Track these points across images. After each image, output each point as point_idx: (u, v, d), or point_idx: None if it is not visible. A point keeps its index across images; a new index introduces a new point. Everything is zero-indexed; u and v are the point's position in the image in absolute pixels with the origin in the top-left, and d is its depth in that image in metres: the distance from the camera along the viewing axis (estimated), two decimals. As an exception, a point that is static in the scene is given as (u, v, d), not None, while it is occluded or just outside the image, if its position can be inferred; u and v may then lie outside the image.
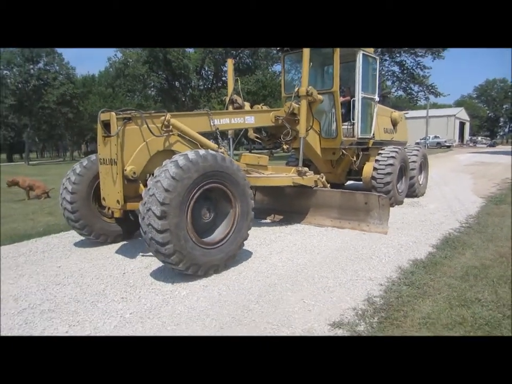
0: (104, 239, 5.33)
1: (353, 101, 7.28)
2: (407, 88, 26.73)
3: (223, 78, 35.36)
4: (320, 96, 6.43)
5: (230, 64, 7.31)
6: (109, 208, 4.91)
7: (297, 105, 6.26)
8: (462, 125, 65.50)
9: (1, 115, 47.41)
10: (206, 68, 35.10)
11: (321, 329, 2.88)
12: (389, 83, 26.86)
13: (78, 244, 5.56)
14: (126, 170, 4.27)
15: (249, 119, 5.90)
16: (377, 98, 7.83)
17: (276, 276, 4.02)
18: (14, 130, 58.93)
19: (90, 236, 5.21)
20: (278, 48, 7.64)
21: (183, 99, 35.19)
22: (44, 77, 39.38)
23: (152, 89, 36.00)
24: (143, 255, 4.91)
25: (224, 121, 5.46)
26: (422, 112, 52.90)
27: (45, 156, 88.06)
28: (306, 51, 6.06)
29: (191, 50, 34.72)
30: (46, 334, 2.95)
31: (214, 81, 36.32)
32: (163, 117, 4.60)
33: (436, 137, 50.34)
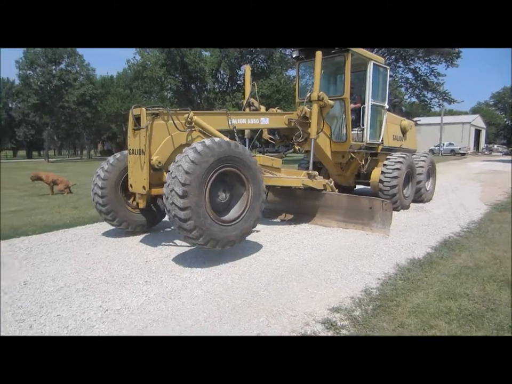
0: (126, 226, 5.81)
1: (363, 107, 7.68)
2: (420, 95, 26.87)
3: (238, 82, 35.97)
4: (331, 102, 6.87)
5: (247, 70, 7.81)
6: (134, 199, 5.45)
7: (309, 110, 6.73)
8: (477, 132, 64.87)
9: (23, 113, 48.93)
10: (222, 72, 35.73)
11: (321, 313, 3.27)
12: (402, 90, 26.99)
13: (103, 235, 6.06)
14: (152, 159, 4.81)
15: (264, 120, 6.38)
16: (386, 106, 8.21)
17: (283, 268, 4.43)
18: (34, 128, 60.63)
19: (114, 221, 5.71)
20: (294, 56, 8.06)
21: (199, 101, 35.89)
22: (65, 77, 40.60)
23: (168, 91, 36.81)
24: (162, 246, 5.38)
25: (241, 121, 5.95)
26: (437, 119, 52.62)
27: (62, 153, 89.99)
28: (318, 58, 6.53)
29: (207, 53, 35.41)
30: (82, 307, 3.42)
31: (229, 85, 36.96)
32: (187, 114, 5.14)
33: (450, 144, 50.02)
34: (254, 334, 2.94)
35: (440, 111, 44.86)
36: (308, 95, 6.74)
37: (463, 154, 46.30)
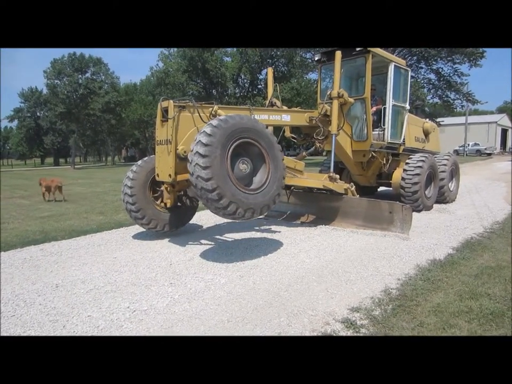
0: (154, 225, 6.02)
1: (384, 108, 7.72)
2: (443, 96, 26.37)
3: (259, 86, 36.19)
4: (351, 99, 6.99)
5: (270, 72, 8.10)
6: (162, 200, 5.69)
7: (329, 107, 6.86)
8: (504, 132, 63.02)
9: (51, 121, 50.60)
10: (243, 76, 36.08)
11: (341, 313, 3.34)
12: (424, 91, 26.58)
13: (129, 239, 6.28)
14: (178, 149, 5.05)
15: (286, 117, 6.52)
16: (407, 107, 8.20)
17: (304, 270, 4.52)
18: (61, 136, 62.61)
19: (142, 220, 5.93)
20: (316, 59, 8.22)
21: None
22: (91, 85, 41.90)
23: (190, 97, 37.37)
24: (186, 249, 5.55)
25: (263, 117, 6.08)
26: (461, 119, 51.54)
27: (88, 160, 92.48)
28: (338, 58, 6.69)
29: (228, 59, 35.85)
30: (111, 308, 3.59)
31: (250, 89, 37.25)
32: (211, 108, 5.36)
33: (475, 144, 48.82)
34: (276, 333, 3.03)
35: (464, 111, 43.82)
36: (328, 92, 6.85)
37: (489, 154, 45.10)
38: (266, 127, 5.02)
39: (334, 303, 3.56)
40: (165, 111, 5.25)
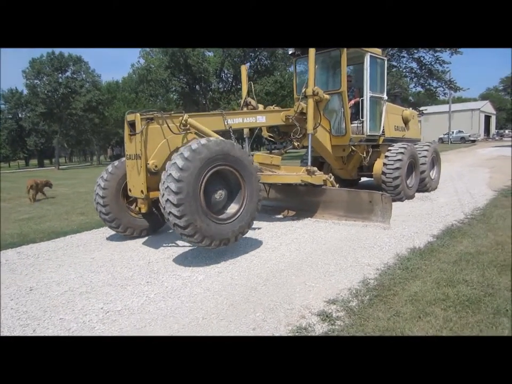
0: (131, 232, 5.92)
1: (362, 100, 7.64)
2: (426, 84, 26.51)
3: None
4: (326, 96, 6.86)
5: (243, 70, 7.84)
6: (136, 205, 5.53)
7: (305, 105, 6.72)
8: (487, 118, 63.96)
9: (33, 122, 49.67)
10: (226, 71, 35.84)
11: (318, 305, 3.31)
12: (407, 80, 26.69)
13: (108, 239, 6.17)
14: (149, 163, 4.89)
15: (261, 118, 6.42)
16: (385, 97, 8.16)
17: (283, 263, 4.47)
18: (44, 137, 61.45)
19: (118, 228, 5.82)
20: (290, 53, 8.09)
21: (204, 102, 36.02)
22: (72, 85, 41.11)
23: (174, 93, 37.03)
24: (165, 247, 5.46)
25: (237, 121, 6.00)
26: (445, 107, 52.07)
27: (73, 160, 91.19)
28: (311, 54, 6.54)
29: (210, 53, 35.50)
30: (84, 310, 3.51)
31: (234, 84, 37.00)
32: (181, 117, 5.20)
33: (459, 132, 49.46)
34: (250, 328, 2.99)
35: (448, 99, 44.27)
36: (303, 90, 6.75)
37: (473, 141, 45.71)
38: (243, 149, 4.89)
39: (311, 296, 3.53)
40: (132, 124, 5.07)
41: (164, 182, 4.29)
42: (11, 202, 12.29)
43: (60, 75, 41.48)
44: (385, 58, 8.24)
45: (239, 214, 4.76)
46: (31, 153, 71.75)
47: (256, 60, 35.28)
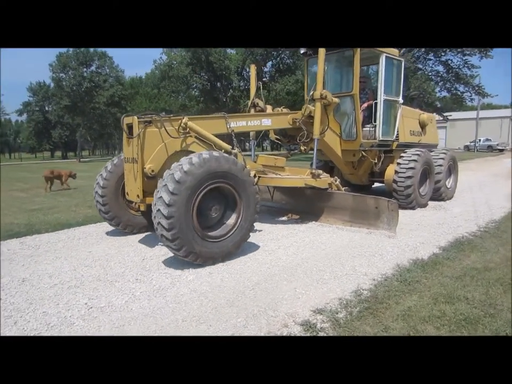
0: (131, 230, 5.91)
1: (375, 103, 7.39)
2: (452, 89, 25.66)
3: (264, 79, 35.79)
4: (335, 99, 6.61)
5: (252, 70, 7.66)
6: (135, 203, 5.47)
7: (313, 108, 6.48)
8: (517, 127, 61.65)
9: (58, 115, 50.86)
10: (247, 69, 35.63)
11: (304, 314, 3.17)
12: (432, 83, 25.88)
13: (109, 233, 6.16)
14: (145, 168, 4.75)
15: (266, 121, 6.23)
16: (401, 100, 7.87)
17: (277, 267, 4.34)
18: (68, 130, 62.97)
19: (118, 226, 5.81)
20: (302, 52, 7.89)
21: (224, 99, 35.98)
22: (95, 79, 41.83)
23: (195, 90, 37.07)
24: (162, 245, 5.39)
25: (240, 124, 5.84)
26: (473, 113, 50.53)
27: (96, 153, 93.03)
28: (321, 56, 6.32)
29: (232, 51, 35.37)
30: (68, 305, 3.47)
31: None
32: (180, 120, 5.05)
33: (487, 140, 47.78)
34: (229, 334, 2.88)
35: (477, 105, 42.87)
36: (311, 93, 6.55)
37: (501, 150, 44.12)
38: (243, 169, 4.72)
39: (299, 303, 3.38)
40: (130, 127, 4.97)
41: (164, 179, 4.23)
42: (28, 193, 12.57)
43: (85, 69, 42.30)
44: (403, 60, 7.94)
45: (233, 231, 4.66)
46: (56, 145, 73.56)
47: (278, 58, 34.92)
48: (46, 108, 63.93)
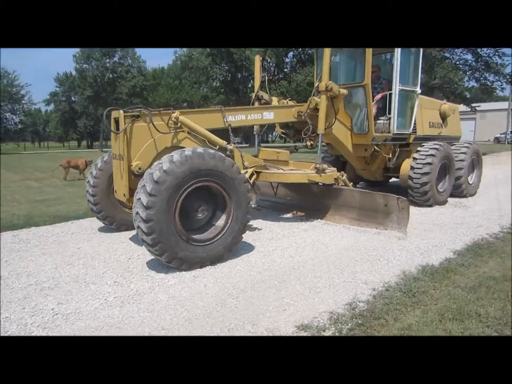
0: (125, 228, 5.66)
1: (390, 94, 6.82)
2: (481, 78, 24.28)
3: (285, 70, 35.12)
4: (343, 90, 6.09)
5: (257, 61, 7.18)
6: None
7: (319, 100, 5.99)
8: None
9: (83, 105, 51.63)
10: (268, 60, 35.01)
11: (286, 331, 2.79)
12: (460, 72, 24.59)
13: (104, 228, 5.90)
14: (132, 165, 4.42)
15: (268, 115, 5.79)
16: (418, 90, 7.27)
17: (269, 272, 3.96)
18: (93, 120, 63.97)
19: (112, 225, 5.58)
20: None
21: (244, 90, 35.55)
22: (118, 70, 42.16)
23: (215, 80, 36.77)
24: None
25: (239, 118, 5.43)
26: (504, 104, 48.28)
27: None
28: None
29: (253, 41, 34.85)
30: (34, 310, 3.21)
31: (276, 73, 36.17)
32: (171, 114, 4.68)
33: (519, 131, 45.59)
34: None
35: (508, 95, 40.85)
36: (316, 84, 6.07)
37: (534, 142, 42.01)
38: (232, 165, 4.31)
39: (283, 317, 3.00)
40: (117, 122, 4.61)
41: (143, 179, 3.91)
42: (42, 182, 12.61)
43: (108, 60, 42.64)
44: (420, 48, 7.31)
45: (222, 233, 4.28)
46: (82, 135, 74.86)
47: (300, 48, 34.18)
48: (72, 98, 65.08)
